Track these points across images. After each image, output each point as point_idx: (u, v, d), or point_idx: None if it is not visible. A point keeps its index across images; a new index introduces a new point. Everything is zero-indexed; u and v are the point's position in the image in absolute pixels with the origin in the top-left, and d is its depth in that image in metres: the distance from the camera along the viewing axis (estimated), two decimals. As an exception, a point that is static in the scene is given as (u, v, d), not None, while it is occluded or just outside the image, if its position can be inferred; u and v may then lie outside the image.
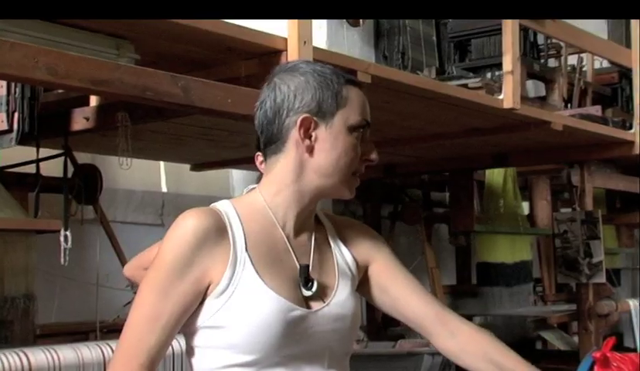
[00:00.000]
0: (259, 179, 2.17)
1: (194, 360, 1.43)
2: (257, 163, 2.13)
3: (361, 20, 5.48)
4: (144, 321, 1.34)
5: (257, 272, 1.37)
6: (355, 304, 1.50)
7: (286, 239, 1.44)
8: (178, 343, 2.18)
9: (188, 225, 1.37)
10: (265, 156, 1.47)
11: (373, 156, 1.45)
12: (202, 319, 1.38)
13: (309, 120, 1.41)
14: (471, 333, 1.55)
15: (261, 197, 1.45)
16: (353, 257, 1.54)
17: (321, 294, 1.44)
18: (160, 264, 1.36)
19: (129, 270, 2.16)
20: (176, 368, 2.24)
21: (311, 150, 1.41)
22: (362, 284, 1.56)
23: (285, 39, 2.66)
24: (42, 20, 2.23)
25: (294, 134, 1.41)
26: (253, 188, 1.49)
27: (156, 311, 1.34)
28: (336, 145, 1.41)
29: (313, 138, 1.41)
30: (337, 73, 1.46)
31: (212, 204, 1.45)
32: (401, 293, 1.56)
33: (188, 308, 1.36)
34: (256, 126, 1.48)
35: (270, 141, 1.45)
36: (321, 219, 1.55)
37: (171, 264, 1.35)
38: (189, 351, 1.45)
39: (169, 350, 2.22)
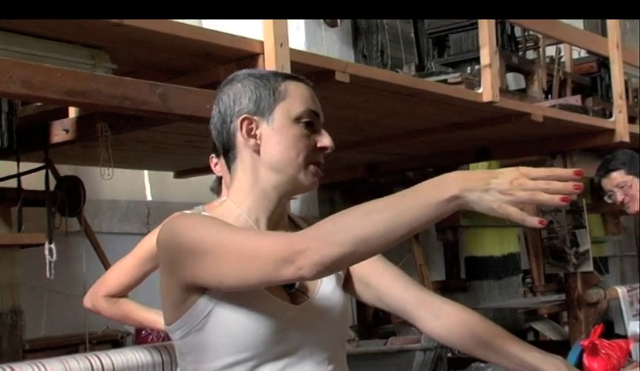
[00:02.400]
0: (216, 182, 2.17)
1: (191, 364, 1.43)
2: (212, 165, 2.14)
3: (338, 20, 5.50)
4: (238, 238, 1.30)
5: None
6: (342, 297, 1.51)
7: None
8: (168, 354, 2.17)
9: (186, 214, 1.40)
10: (227, 165, 1.50)
11: (327, 142, 1.45)
12: (195, 321, 1.37)
13: (249, 120, 1.43)
14: (454, 313, 1.55)
15: (233, 205, 1.46)
16: None
17: (305, 289, 1.46)
18: (203, 236, 1.32)
19: (89, 299, 2.16)
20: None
21: (258, 149, 1.43)
22: (346, 281, 1.57)
23: (262, 43, 2.66)
24: (16, 33, 2.21)
25: (240, 138, 1.44)
26: (224, 201, 1.49)
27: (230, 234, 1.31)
28: (281, 139, 1.42)
29: (258, 137, 1.43)
30: (276, 73, 1.50)
31: (186, 211, 1.46)
32: (382, 283, 1.56)
33: None
34: (214, 138, 1.51)
35: (226, 150, 1.48)
36: (296, 221, 1.56)
37: (211, 226, 1.34)
38: (182, 357, 1.45)
39: (158, 360, 2.21)
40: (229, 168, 1.49)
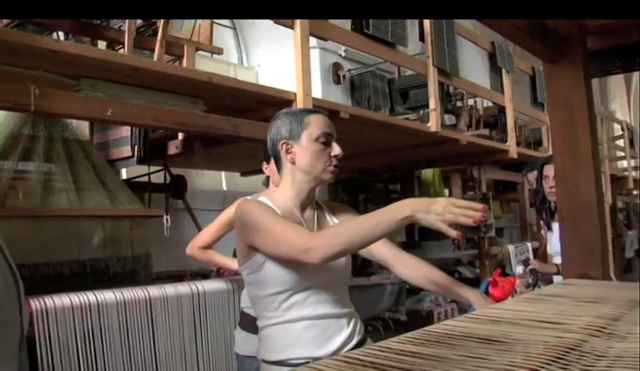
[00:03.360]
0: (266, 180, 2.14)
1: (253, 290, 1.42)
2: (263, 169, 2.11)
3: (342, 80, 5.47)
4: (280, 226, 1.28)
5: None
6: None
7: (300, 216, 1.44)
8: (236, 284, 2.16)
9: (248, 199, 1.39)
10: (278, 170, 1.48)
11: (337, 151, 1.43)
12: (255, 266, 1.36)
13: (286, 143, 1.41)
14: (416, 264, 1.54)
15: (281, 194, 1.45)
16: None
17: None
18: (260, 220, 1.30)
19: (189, 249, 2.13)
20: (230, 303, 2.21)
21: (294, 161, 1.42)
22: None
23: (295, 93, 2.66)
24: (146, 88, 2.21)
25: (283, 155, 1.43)
26: (275, 190, 1.48)
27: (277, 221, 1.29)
28: (307, 154, 1.40)
29: (293, 153, 1.41)
30: (302, 109, 1.47)
31: (247, 197, 1.45)
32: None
33: None
34: (269, 152, 1.50)
35: (276, 162, 1.47)
36: (321, 205, 1.55)
37: (266, 215, 1.32)
38: (248, 286, 1.44)
39: (230, 287, 2.19)
40: (279, 172, 1.47)
